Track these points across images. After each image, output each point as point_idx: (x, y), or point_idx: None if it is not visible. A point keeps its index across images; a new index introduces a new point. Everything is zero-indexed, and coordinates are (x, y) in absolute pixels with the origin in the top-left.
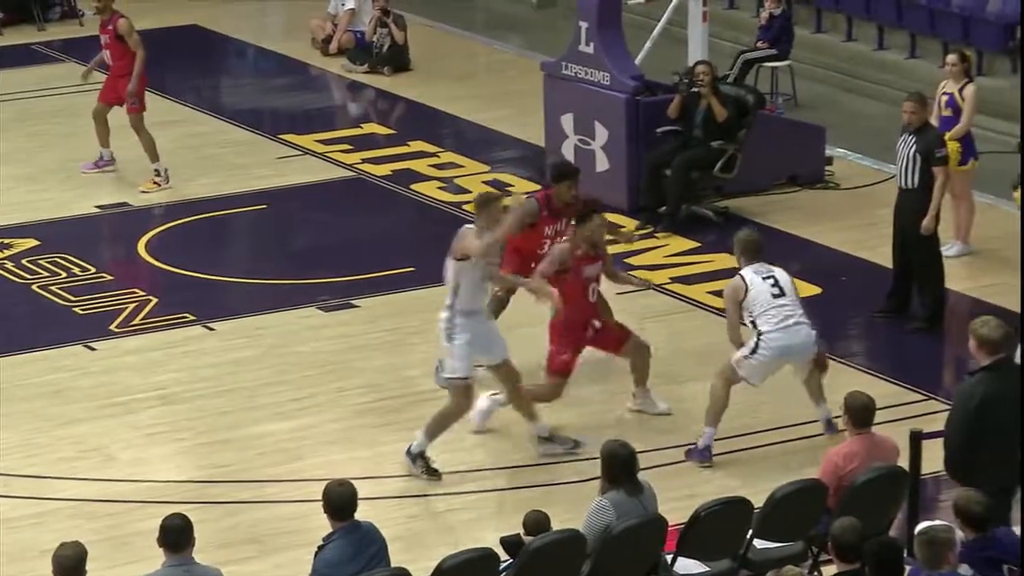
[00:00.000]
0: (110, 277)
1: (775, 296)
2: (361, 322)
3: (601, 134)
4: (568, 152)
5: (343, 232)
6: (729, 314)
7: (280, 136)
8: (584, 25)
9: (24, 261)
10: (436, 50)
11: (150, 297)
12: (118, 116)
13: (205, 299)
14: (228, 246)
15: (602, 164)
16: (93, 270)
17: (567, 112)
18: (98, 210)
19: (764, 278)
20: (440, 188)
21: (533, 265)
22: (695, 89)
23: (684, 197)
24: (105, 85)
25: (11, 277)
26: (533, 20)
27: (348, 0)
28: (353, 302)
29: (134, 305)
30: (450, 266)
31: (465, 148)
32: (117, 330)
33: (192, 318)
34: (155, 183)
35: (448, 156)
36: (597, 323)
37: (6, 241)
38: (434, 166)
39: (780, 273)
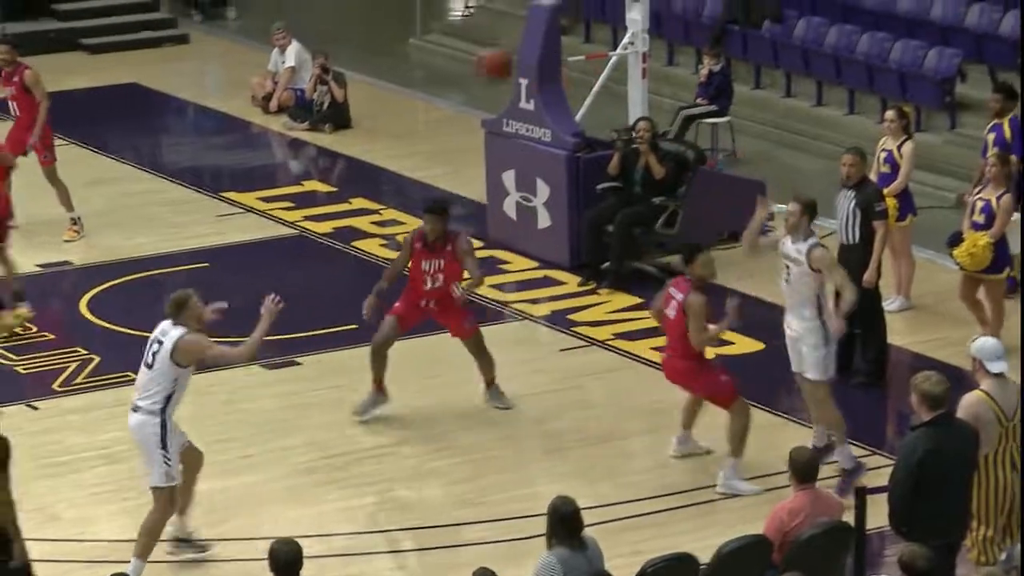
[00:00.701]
0: (52, 336)
1: None
2: (304, 380)
3: (543, 191)
4: (510, 209)
5: (286, 290)
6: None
7: (221, 194)
8: (524, 82)
9: None
10: (376, 107)
11: (93, 356)
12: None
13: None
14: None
15: (544, 221)
16: (35, 329)
17: (508, 169)
18: (39, 268)
19: None
20: (382, 245)
21: (423, 304)
22: (633, 146)
23: (626, 253)
24: (9, 136)
25: None
26: (472, 78)
27: (288, 58)
28: (296, 359)
29: (76, 364)
30: (169, 370)
31: (407, 205)
32: (60, 389)
33: (134, 377)
34: (75, 231)
35: (390, 213)
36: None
37: None
38: (376, 223)
39: None
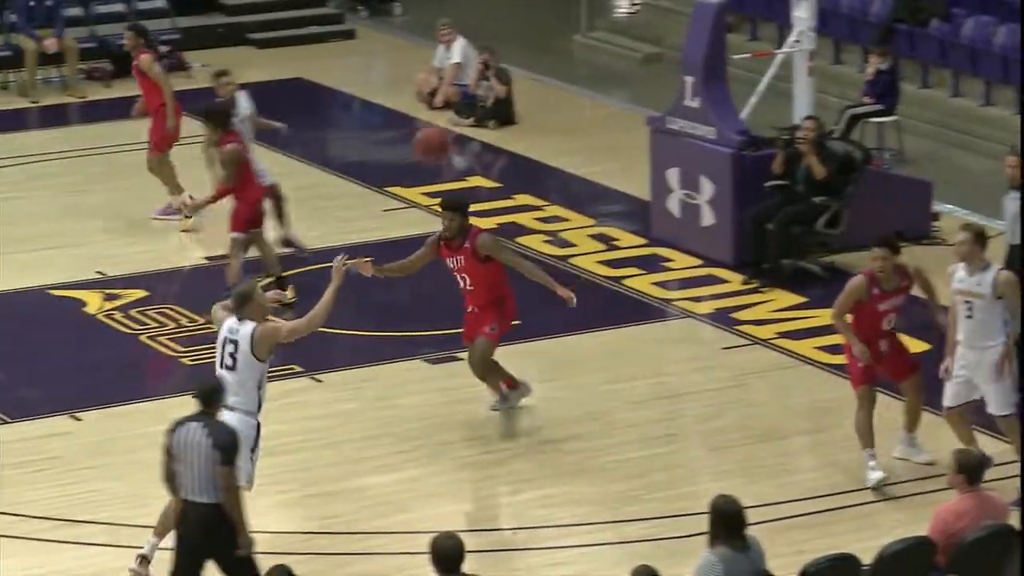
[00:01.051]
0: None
1: None
2: (465, 375)
3: (707, 188)
4: (674, 207)
5: (449, 286)
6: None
7: (386, 188)
8: (690, 80)
9: (133, 312)
10: (541, 104)
11: None
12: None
13: (312, 351)
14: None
15: (707, 219)
16: (201, 321)
17: (672, 166)
18: (207, 261)
19: None
20: (545, 242)
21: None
22: (795, 145)
23: (785, 252)
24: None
25: (119, 327)
26: (638, 74)
27: (453, 54)
28: (458, 355)
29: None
30: (254, 367)
31: (570, 201)
32: None
33: (299, 370)
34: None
35: (553, 210)
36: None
37: (115, 292)
38: (539, 219)
39: None
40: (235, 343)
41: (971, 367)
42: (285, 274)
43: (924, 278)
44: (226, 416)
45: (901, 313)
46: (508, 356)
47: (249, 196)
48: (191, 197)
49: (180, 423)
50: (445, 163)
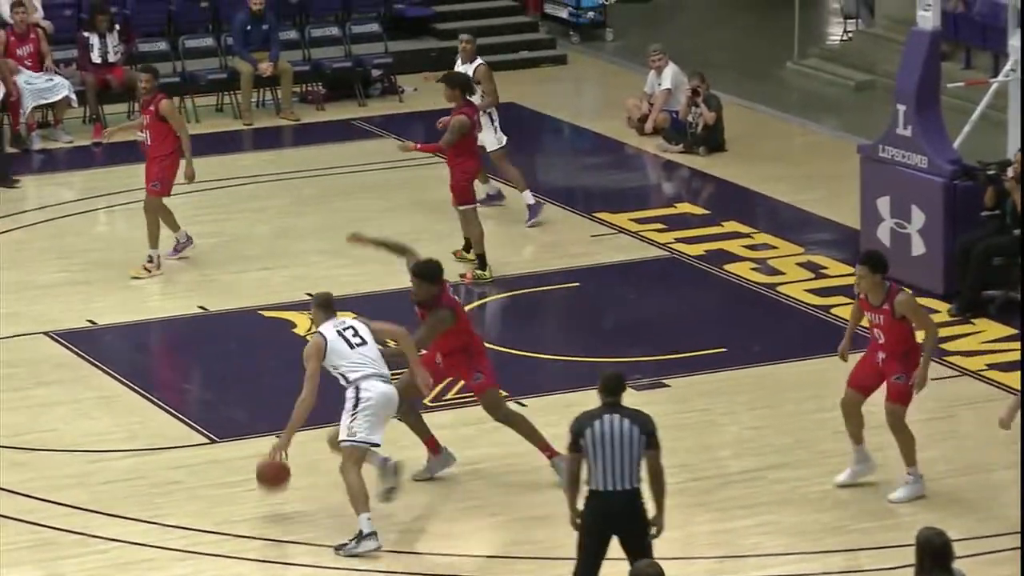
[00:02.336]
0: (424, 352)
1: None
2: (672, 401)
3: (917, 218)
4: (884, 236)
5: (655, 311)
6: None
7: (594, 214)
8: (902, 108)
9: None
10: (752, 130)
11: None
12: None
13: (517, 375)
14: (540, 323)
15: (918, 248)
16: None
17: (883, 195)
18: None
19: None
20: (753, 269)
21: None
22: (1000, 179)
23: (984, 283)
24: (146, 170)
25: None
26: (850, 102)
27: (664, 80)
28: (664, 381)
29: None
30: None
31: (779, 229)
32: (430, 404)
33: (504, 394)
34: (147, 268)
35: (762, 237)
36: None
37: None
38: (748, 247)
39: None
40: (352, 327)
41: None
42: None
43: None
44: (384, 386)
45: None
46: (713, 384)
47: (466, 166)
48: None
49: (592, 417)
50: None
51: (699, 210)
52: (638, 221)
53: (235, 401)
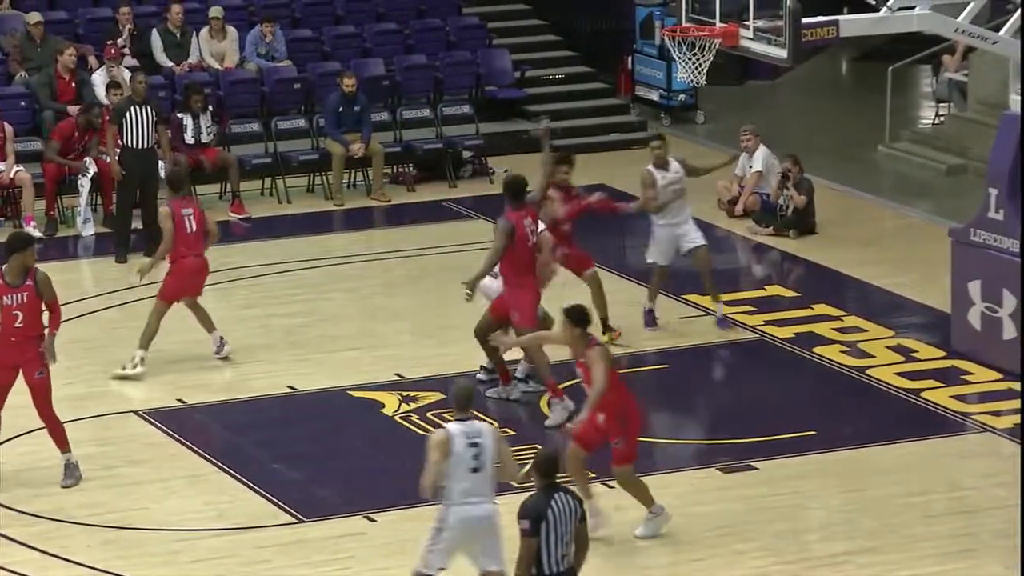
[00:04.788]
0: (512, 432)
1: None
2: (761, 484)
3: (1009, 301)
4: (975, 320)
5: (744, 393)
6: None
7: (683, 296)
8: (994, 192)
9: (429, 414)
10: (843, 213)
11: None
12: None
13: (605, 456)
14: None
15: (1009, 332)
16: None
17: (974, 279)
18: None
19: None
20: (843, 352)
21: None
22: None
23: None
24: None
25: (415, 429)
26: (941, 186)
27: (755, 162)
28: (753, 464)
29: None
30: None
31: (869, 312)
32: (517, 485)
33: (593, 475)
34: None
35: (852, 320)
36: None
37: (412, 394)
38: (837, 329)
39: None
40: (479, 445)
41: None
42: None
43: None
44: (483, 509)
45: None
46: (802, 467)
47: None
48: None
49: (547, 499)
50: None
51: (789, 293)
52: (729, 303)
53: (323, 481)
